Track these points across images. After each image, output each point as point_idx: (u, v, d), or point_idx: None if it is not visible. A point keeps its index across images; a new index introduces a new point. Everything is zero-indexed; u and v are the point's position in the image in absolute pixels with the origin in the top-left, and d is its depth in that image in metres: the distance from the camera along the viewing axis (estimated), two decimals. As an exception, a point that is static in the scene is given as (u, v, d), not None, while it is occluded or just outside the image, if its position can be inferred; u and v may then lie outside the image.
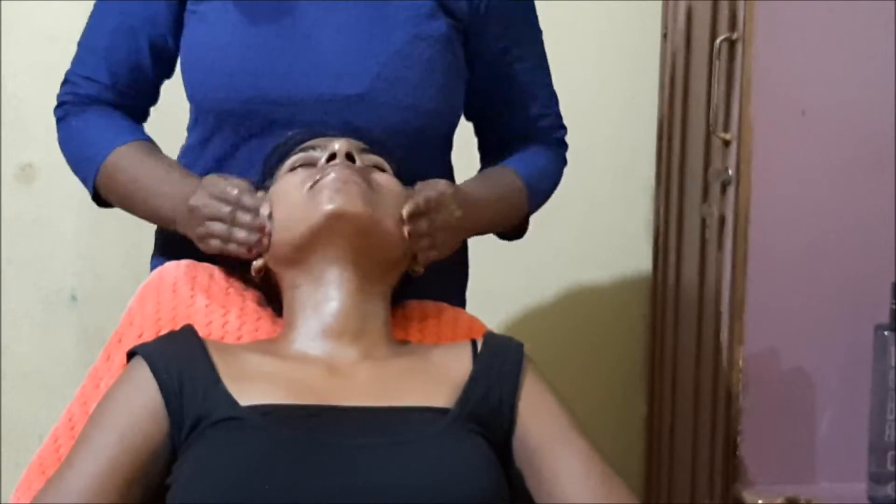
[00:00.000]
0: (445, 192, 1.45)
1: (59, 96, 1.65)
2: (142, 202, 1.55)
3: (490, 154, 1.70)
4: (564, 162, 1.75)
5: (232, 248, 1.43)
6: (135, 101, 1.64)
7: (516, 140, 1.68)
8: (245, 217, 1.41)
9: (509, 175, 1.64)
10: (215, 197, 1.43)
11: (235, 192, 1.42)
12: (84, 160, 1.59)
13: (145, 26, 1.60)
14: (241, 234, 1.42)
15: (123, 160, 1.56)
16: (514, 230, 1.70)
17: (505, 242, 1.75)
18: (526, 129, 1.69)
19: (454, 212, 1.46)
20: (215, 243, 1.44)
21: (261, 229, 1.41)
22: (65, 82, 1.65)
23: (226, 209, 1.42)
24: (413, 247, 1.42)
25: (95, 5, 1.65)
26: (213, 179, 1.46)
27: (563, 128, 1.74)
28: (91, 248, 2.29)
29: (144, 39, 1.60)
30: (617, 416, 2.37)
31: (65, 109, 1.63)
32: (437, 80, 1.56)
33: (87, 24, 1.65)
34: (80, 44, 1.65)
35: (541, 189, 1.69)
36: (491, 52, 1.63)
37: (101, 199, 1.62)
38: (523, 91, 1.67)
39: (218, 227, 1.43)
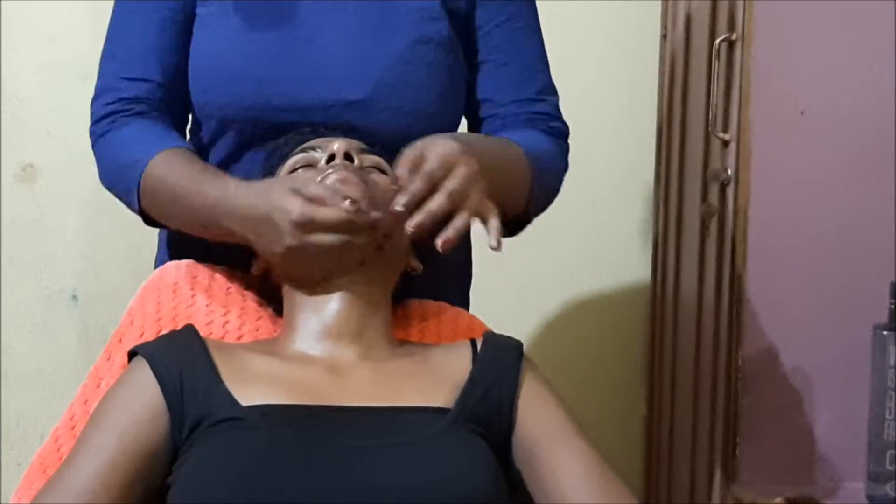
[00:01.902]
0: (452, 148, 1.31)
1: (95, 111, 1.55)
2: (190, 211, 1.44)
3: None
4: (566, 154, 1.65)
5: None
6: (181, 101, 1.56)
7: (509, 128, 1.60)
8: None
9: (510, 143, 1.54)
10: (300, 230, 1.32)
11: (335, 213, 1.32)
12: (124, 173, 1.50)
13: (180, 18, 1.55)
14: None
15: (168, 171, 1.46)
16: (513, 220, 1.57)
17: (504, 241, 1.71)
18: (519, 114, 1.61)
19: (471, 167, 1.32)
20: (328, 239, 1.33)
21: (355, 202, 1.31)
22: (101, 94, 1.56)
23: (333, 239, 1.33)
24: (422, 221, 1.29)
25: (118, 9, 1.58)
26: (305, 207, 1.33)
27: (563, 122, 1.66)
28: (92, 248, 2.30)
29: (183, 34, 1.54)
30: (617, 416, 2.37)
31: (110, 121, 1.54)
32: (439, 84, 1.56)
33: (114, 28, 1.57)
34: (109, 50, 1.57)
35: (544, 167, 1.55)
36: (485, 30, 1.60)
37: (146, 215, 1.52)
38: (517, 72, 1.62)
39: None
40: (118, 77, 1.55)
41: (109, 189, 1.55)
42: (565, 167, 1.65)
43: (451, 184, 1.30)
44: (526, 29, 1.64)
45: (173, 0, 1.55)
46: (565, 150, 1.65)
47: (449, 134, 1.44)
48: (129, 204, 1.52)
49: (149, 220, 1.53)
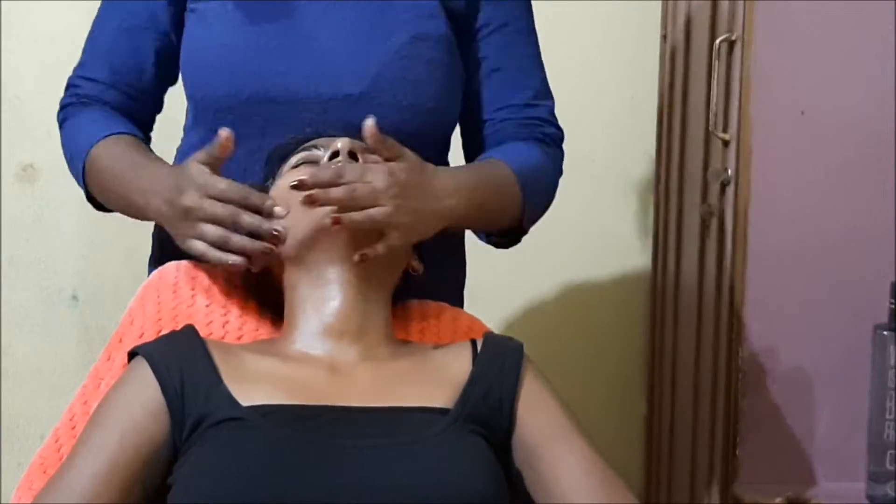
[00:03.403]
0: (401, 157, 1.37)
1: (61, 101, 1.64)
2: (122, 195, 1.50)
3: (475, 154, 1.64)
4: (559, 163, 1.65)
5: (222, 255, 1.36)
6: (138, 105, 1.63)
7: (502, 132, 1.62)
8: (250, 220, 1.35)
9: (497, 163, 1.56)
10: (213, 196, 1.36)
11: (238, 191, 1.36)
12: (74, 157, 1.58)
13: (148, 26, 1.60)
14: (240, 241, 1.35)
15: (105, 152, 1.54)
16: (506, 234, 1.62)
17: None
18: (512, 119, 1.62)
19: (418, 183, 1.37)
20: (200, 247, 1.37)
21: (274, 237, 1.35)
22: (67, 87, 1.65)
23: (224, 211, 1.37)
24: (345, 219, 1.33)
25: (99, 8, 1.65)
26: (202, 176, 1.37)
27: (557, 128, 1.65)
28: (92, 248, 2.30)
29: (147, 39, 1.60)
30: (617, 416, 2.37)
31: (65, 112, 1.63)
32: (437, 81, 1.56)
33: (91, 29, 1.65)
34: (83, 49, 1.65)
35: (535, 182, 1.58)
36: (481, 34, 1.60)
37: (96, 201, 1.60)
38: (511, 76, 1.62)
39: (212, 231, 1.36)
40: (78, 75, 1.64)
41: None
42: (559, 174, 1.66)
43: (366, 187, 1.34)
44: (520, 33, 1.64)
45: (144, 4, 1.58)
46: (559, 157, 1.66)
47: (443, 168, 1.49)
48: (82, 188, 1.60)
49: (97, 205, 1.61)
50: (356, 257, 1.35)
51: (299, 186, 1.34)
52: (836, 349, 1.86)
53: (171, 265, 1.54)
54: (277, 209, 1.37)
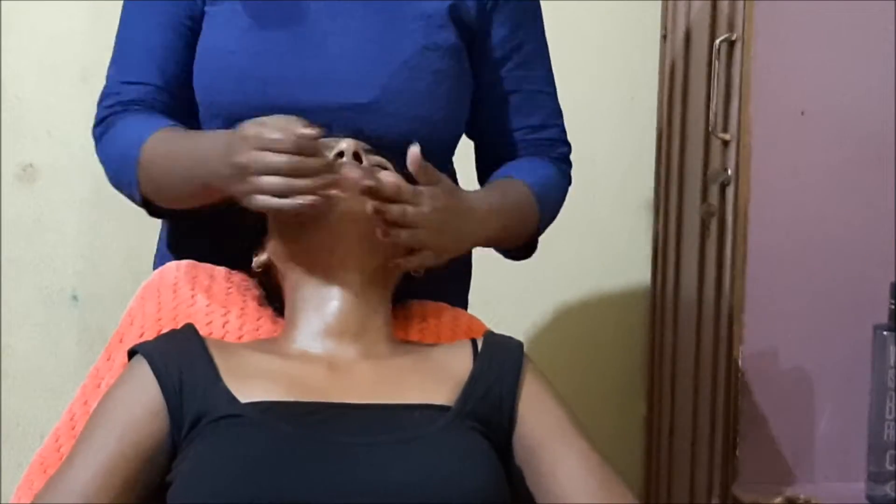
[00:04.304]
0: (439, 183, 1.39)
1: (97, 114, 1.57)
2: (181, 174, 1.44)
3: (489, 169, 1.66)
4: (568, 180, 1.69)
5: (290, 202, 1.30)
6: (189, 106, 1.57)
7: (516, 152, 1.65)
8: (306, 163, 1.31)
9: (518, 184, 1.59)
10: (266, 148, 1.30)
11: (289, 137, 1.30)
12: (125, 156, 1.50)
13: (187, 21, 1.55)
14: (304, 183, 1.30)
15: (159, 143, 1.47)
16: (522, 248, 1.65)
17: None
18: (527, 140, 1.65)
19: (452, 206, 1.40)
20: (264, 200, 1.31)
21: (329, 168, 1.32)
22: (103, 99, 1.57)
23: (280, 160, 1.30)
24: (387, 235, 1.35)
25: (125, 11, 1.59)
26: (252, 129, 1.32)
27: (568, 145, 1.69)
28: (92, 248, 2.30)
29: (189, 35, 1.55)
30: (617, 416, 2.37)
31: (108, 122, 1.55)
32: (445, 92, 1.56)
33: (120, 31, 1.59)
34: (114, 54, 1.59)
35: (550, 200, 1.63)
36: (495, 55, 1.62)
37: (152, 207, 1.52)
38: (526, 99, 1.65)
39: (274, 182, 1.30)
40: (118, 81, 1.57)
41: (116, 188, 1.55)
42: (568, 187, 1.70)
43: (415, 210, 1.36)
44: (535, 54, 1.66)
45: (177, 2, 1.55)
46: (568, 172, 1.70)
47: (473, 193, 1.52)
48: (132, 197, 1.52)
49: (152, 211, 1.54)
50: (391, 264, 1.40)
51: (372, 193, 1.35)
52: (836, 349, 1.86)
53: (171, 265, 1.55)
54: (336, 153, 1.38)
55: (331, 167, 1.34)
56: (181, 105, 1.56)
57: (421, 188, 1.38)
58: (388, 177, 1.39)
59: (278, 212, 1.33)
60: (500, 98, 1.64)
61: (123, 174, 1.51)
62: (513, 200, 1.57)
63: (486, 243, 1.57)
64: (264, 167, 1.30)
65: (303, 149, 1.31)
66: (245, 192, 1.32)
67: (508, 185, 1.59)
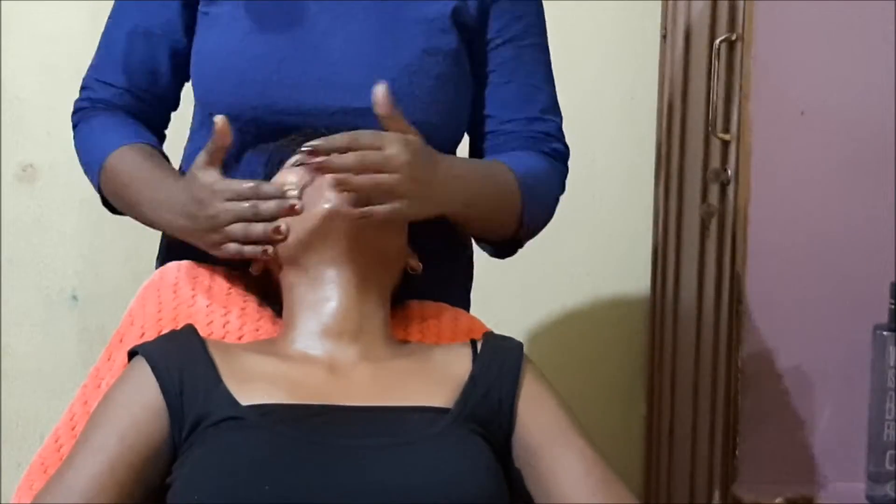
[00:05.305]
0: (408, 132, 1.38)
1: (75, 103, 1.64)
2: (137, 208, 1.52)
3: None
4: (563, 178, 1.65)
5: (255, 248, 1.38)
6: (152, 108, 1.62)
7: (508, 144, 1.62)
8: (267, 206, 1.37)
9: (501, 165, 1.56)
10: (230, 199, 1.39)
11: (249, 185, 1.38)
12: (89, 164, 1.59)
13: (162, 29, 1.58)
14: (262, 227, 1.37)
15: (121, 163, 1.54)
16: (507, 244, 1.62)
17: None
18: (520, 132, 1.62)
19: (415, 158, 1.36)
20: (234, 248, 1.39)
21: (293, 208, 1.36)
22: (81, 89, 1.64)
23: (243, 207, 1.37)
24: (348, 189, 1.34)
25: (112, 9, 1.63)
26: (215, 183, 1.39)
27: (563, 143, 1.66)
28: (92, 248, 2.30)
29: (162, 43, 1.59)
30: (617, 416, 2.37)
31: (79, 115, 1.63)
32: (446, 96, 1.56)
33: (104, 28, 1.63)
34: (97, 49, 1.64)
35: (536, 190, 1.58)
36: (491, 45, 1.60)
37: (110, 204, 1.60)
38: (520, 90, 1.62)
39: (239, 229, 1.38)
40: (93, 77, 1.63)
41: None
42: (561, 191, 1.66)
43: (375, 154, 1.35)
44: (533, 47, 1.64)
45: (162, 6, 1.58)
46: (563, 173, 1.66)
47: (447, 154, 1.48)
48: (98, 192, 1.60)
49: (112, 209, 1.61)
50: (357, 213, 1.35)
51: (312, 152, 1.35)
52: (836, 349, 1.86)
53: (171, 265, 1.55)
54: (289, 189, 1.38)
55: (285, 199, 1.37)
56: (149, 107, 1.62)
57: (386, 133, 1.37)
58: (339, 140, 1.36)
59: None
60: (494, 87, 1.62)
61: (89, 174, 1.60)
62: (493, 173, 1.54)
63: (463, 208, 1.49)
64: (231, 217, 1.37)
65: (262, 193, 1.38)
66: (214, 242, 1.40)
67: (490, 163, 1.58)
